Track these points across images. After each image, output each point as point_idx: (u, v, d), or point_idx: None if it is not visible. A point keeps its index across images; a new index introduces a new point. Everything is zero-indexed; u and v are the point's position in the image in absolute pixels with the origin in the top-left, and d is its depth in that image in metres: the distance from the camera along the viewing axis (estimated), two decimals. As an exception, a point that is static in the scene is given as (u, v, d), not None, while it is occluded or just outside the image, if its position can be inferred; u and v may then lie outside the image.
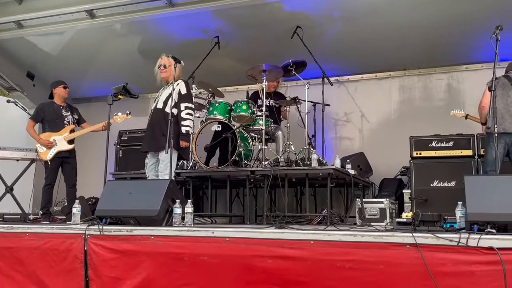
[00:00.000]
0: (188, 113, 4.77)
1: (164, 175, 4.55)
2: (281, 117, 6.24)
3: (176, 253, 3.45)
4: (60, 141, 5.49)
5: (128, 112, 5.37)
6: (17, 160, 6.02)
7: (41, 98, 7.45)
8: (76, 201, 4.22)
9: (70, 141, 5.54)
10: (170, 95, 4.69)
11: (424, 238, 2.94)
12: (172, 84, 4.72)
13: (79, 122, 5.76)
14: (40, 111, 5.68)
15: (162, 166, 4.66)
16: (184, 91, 4.83)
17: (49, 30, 6.61)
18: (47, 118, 5.61)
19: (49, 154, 5.44)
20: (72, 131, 5.59)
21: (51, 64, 7.35)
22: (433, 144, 5.48)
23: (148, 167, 4.92)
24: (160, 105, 4.78)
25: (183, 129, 4.70)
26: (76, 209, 4.05)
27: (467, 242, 2.83)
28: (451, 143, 5.42)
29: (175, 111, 4.73)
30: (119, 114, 5.33)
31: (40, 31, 6.65)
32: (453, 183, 5.26)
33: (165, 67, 4.90)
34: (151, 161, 4.89)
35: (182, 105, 4.76)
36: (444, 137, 5.47)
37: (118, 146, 6.76)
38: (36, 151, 5.56)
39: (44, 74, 7.62)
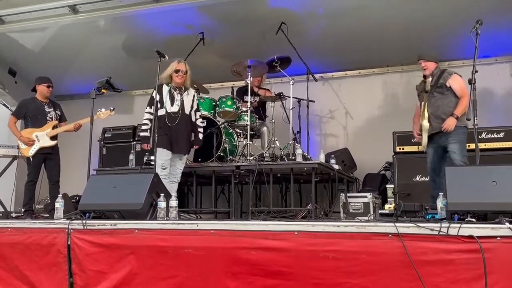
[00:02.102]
0: (202, 122, 5.24)
1: (180, 172, 4.98)
2: (260, 96, 6.20)
3: (160, 246, 3.44)
4: (43, 137, 5.43)
5: (111, 108, 5.33)
6: (-2, 157, 5.96)
7: (23, 95, 7.33)
8: (59, 195, 4.17)
9: (53, 137, 5.49)
10: (193, 102, 5.07)
11: (406, 227, 2.98)
12: (187, 91, 5.01)
13: (60, 119, 5.71)
14: (22, 107, 5.62)
15: (182, 168, 5.00)
16: (197, 100, 5.19)
17: (31, 26, 6.54)
18: (29, 114, 5.55)
19: (31, 150, 5.38)
20: (55, 127, 5.54)
21: (34, 61, 7.25)
22: (416, 139, 5.54)
23: (161, 165, 4.75)
24: (187, 111, 4.96)
25: (201, 136, 5.15)
26: (59, 203, 4.01)
27: (447, 231, 2.88)
28: (433, 138, 5.48)
29: (194, 118, 5.10)
30: (103, 110, 5.29)
31: (22, 27, 6.58)
32: (435, 178, 5.32)
33: (184, 73, 4.88)
34: (168, 161, 4.80)
35: (198, 114, 5.18)
36: (426, 132, 5.53)
37: (102, 143, 6.71)
38: (18, 147, 5.50)
39: (26, 71, 7.51)
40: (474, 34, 3.83)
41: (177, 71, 4.85)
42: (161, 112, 4.83)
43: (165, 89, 4.90)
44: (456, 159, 4.34)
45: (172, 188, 4.76)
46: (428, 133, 4.56)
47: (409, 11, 5.78)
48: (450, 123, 4.38)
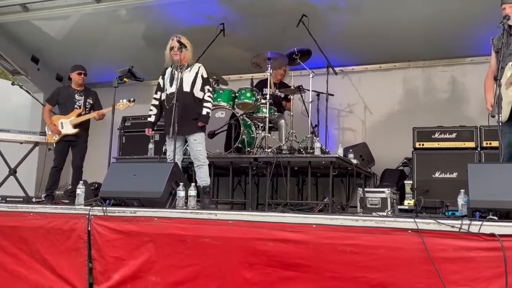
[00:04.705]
0: (209, 96, 4.80)
1: (202, 153, 4.66)
2: (284, 107, 6.25)
3: (179, 235, 3.48)
4: (66, 125, 5.55)
5: (132, 99, 5.36)
6: (21, 143, 6.05)
7: (45, 82, 7.48)
8: (80, 182, 4.24)
9: (76, 125, 5.57)
10: (195, 77, 4.71)
11: (426, 223, 2.96)
12: (190, 67, 4.72)
13: (94, 107, 5.78)
14: (54, 94, 5.83)
15: (200, 148, 4.63)
16: (205, 74, 4.81)
17: (54, 14, 6.60)
18: (60, 101, 5.73)
19: (55, 137, 5.51)
20: (80, 115, 5.62)
21: (56, 49, 7.35)
22: (436, 135, 5.49)
23: (171, 151, 4.60)
24: (187, 89, 4.65)
25: (205, 111, 4.70)
26: (80, 190, 4.07)
27: (468, 228, 2.85)
28: (454, 135, 5.43)
29: (201, 94, 4.74)
30: (124, 101, 5.31)
31: (45, 15, 6.64)
32: (455, 175, 5.27)
33: (178, 49, 4.67)
34: (177, 144, 4.63)
35: (206, 88, 4.77)
36: (447, 129, 5.48)
37: (122, 132, 6.79)
38: (46, 133, 5.64)
39: (48, 59, 7.64)
40: (501, 29, 3.74)
41: (171, 48, 4.70)
42: (163, 96, 4.75)
43: (168, 71, 4.81)
44: None
45: (201, 173, 4.63)
46: None
47: (431, 6, 5.67)
48: None
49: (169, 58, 4.75)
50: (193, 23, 6.41)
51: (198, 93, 4.72)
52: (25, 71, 7.46)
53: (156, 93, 4.86)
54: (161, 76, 4.88)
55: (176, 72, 4.69)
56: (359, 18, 6.06)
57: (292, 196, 5.94)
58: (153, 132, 4.89)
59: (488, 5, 5.38)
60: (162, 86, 4.83)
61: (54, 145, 5.53)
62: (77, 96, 5.69)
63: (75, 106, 5.64)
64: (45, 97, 6.27)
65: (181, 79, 4.65)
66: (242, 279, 3.31)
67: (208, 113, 4.72)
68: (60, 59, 7.44)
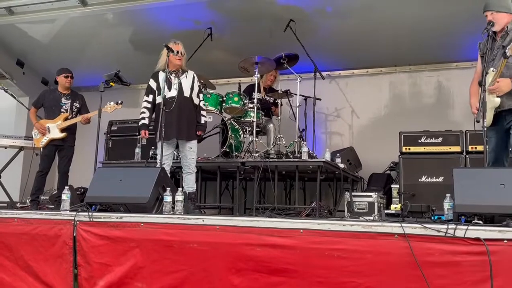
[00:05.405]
0: (203, 104, 4.99)
1: (195, 162, 4.78)
2: (273, 113, 6.26)
3: (165, 240, 3.44)
4: (53, 129, 5.50)
5: (120, 102, 5.33)
6: (5, 148, 5.98)
7: (31, 86, 7.40)
8: (66, 187, 4.19)
9: (63, 130, 5.52)
10: (193, 84, 4.83)
11: (412, 228, 2.97)
12: (185, 73, 4.81)
13: (80, 111, 5.72)
14: (40, 97, 5.77)
15: (194, 157, 4.76)
16: (198, 82, 4.95)
17: (40, 17, 6.55)
18: (46, 105, 5.67)
19: (42, 141, 5.46)
20: (66, 119, 5.57)
21: (42, 53, 7.28)
22: (422, 139, 5.54)
23: (162, 156, 4.57)
24: (187, 94, 4.74)
25: (202, 119, 4.88)
26: (66, 195, 4.02)
27: (454, 233, 2.86)
28: (440, 139, 5.48)
29: (197, 101, 4.88)
30: (112, 103, 5.29)
31: (31, 18, 6.58)
32: (441, 179, 5.32)
33: (182, 55, 4.74)
34: (168, 151, 4.70)
35: (200, 96, 4.95)
36: (433, 133, 5.53)
37: (108, 136, 6.73)
38: (31, 138, 5.58)
39: (34, 62, 7.56)
40: (485, 35, 3.79)
41: (177, 52, 4.68)
42: (158, 99, 4.72)
43: (161, 75, 4.76)
44: None
45: (189, 180, 4.71)
46: (495, 111, 3.68)
47: (418, 11, 5.74)
48: (503, 84, 3.48)
49: (164, 62, 4.70)
50: (180, 28, 6.41)
51: (195, 99, 4.85)
52: (10, 75, 7.38)
53: (148, 96, 4.83)
54: (152, 79, 4.85)
55: (172, 77, 4.73)
56: (346, 23, 6.10)
57: (279, 201, 5.94)
58: (149, 134, 4.84)
59: (474, 11, 5.43)
60: (155, 89, 4.80)
61: (41, 150, 5.46)
62: (63, 100, 5.63)
63: (62, 110, 5.59)
64: (31, 101, 6.21)
65: (180, 84, 4.71)
66: (229, 284, 3.29)
67: (205, 121, 4.90)
68: (46, 63, 7.37)
